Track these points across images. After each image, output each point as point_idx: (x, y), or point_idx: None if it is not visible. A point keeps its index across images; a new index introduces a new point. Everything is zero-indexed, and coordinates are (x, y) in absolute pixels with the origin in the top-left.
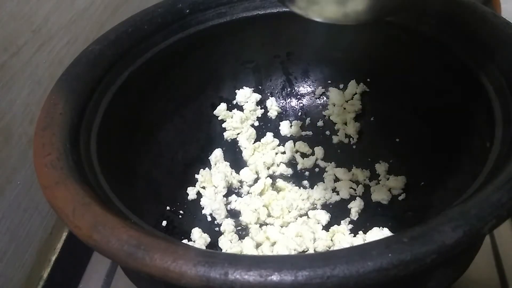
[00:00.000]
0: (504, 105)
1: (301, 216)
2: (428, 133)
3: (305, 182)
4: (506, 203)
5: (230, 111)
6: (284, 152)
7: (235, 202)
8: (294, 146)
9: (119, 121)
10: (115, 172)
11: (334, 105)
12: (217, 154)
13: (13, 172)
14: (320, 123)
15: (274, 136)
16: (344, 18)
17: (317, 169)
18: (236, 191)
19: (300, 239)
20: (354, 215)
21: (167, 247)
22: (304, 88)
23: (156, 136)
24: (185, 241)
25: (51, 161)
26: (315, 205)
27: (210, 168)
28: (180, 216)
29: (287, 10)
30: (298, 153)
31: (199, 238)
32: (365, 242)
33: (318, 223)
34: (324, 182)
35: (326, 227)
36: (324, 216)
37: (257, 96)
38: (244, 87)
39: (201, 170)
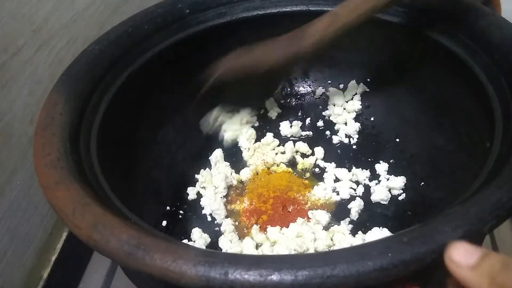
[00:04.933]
0: (504, 105)
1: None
2: (428, 133)
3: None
4: (506, 203)
5: None
6: (284, 152)
7: (235, 202)
8: (294, 146)
9: (119, 121)
10: (115, 172)
11: (334, 105)
12: (217, 155)
13: (13, 172)
14: (320, 123)
15: (274, 137)
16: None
17: (317, 169)
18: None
19: (300, 239)
20: (354, 215)
21: (167, 247)
22: (304, 88)
23: (156, 136)
24: (185, 241)
25: (51, 161)
26: (315, 205)
27: (210, 168)
28: (180, 216)
29: (287, 10)
30: (298, 153)
31: (199, 238)
32: (365, 242)
33: (318, 223)
34: (324, 182)
35: (326, 227)
36: (324, 216)
37: None
38: None
39: (202, 170)
